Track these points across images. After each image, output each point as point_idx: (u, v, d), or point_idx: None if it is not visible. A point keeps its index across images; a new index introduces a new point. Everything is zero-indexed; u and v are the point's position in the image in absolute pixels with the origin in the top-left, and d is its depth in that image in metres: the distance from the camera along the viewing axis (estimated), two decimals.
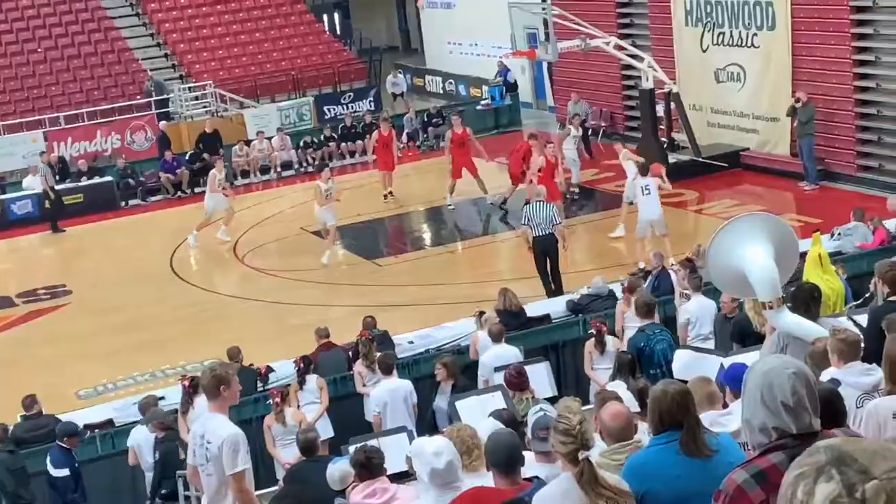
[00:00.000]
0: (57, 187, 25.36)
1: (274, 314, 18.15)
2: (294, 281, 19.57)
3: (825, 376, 6.55)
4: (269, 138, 28.24)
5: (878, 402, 5.45)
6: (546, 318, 15.04)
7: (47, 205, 24.65)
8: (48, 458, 11.72)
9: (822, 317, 8.57)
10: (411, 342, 14.05)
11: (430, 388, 13.63)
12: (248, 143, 28.18)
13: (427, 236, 22.28)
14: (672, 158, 23.32)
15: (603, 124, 27.74)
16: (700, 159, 23.14)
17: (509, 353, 12.60)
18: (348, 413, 13.05)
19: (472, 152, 23.27)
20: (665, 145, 23.76)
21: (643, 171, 18.85)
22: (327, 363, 13.80)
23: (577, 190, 22.73)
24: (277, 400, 12.04)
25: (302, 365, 13.14)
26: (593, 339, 12.74)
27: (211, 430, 7.17)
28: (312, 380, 12.99)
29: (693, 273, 13.42)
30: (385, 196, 23.96)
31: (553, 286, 16.61)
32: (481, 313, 13.93)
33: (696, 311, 12.74)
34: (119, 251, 22.81)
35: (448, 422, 10.56)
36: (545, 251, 16.73)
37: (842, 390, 6.18)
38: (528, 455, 6.39)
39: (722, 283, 8.66)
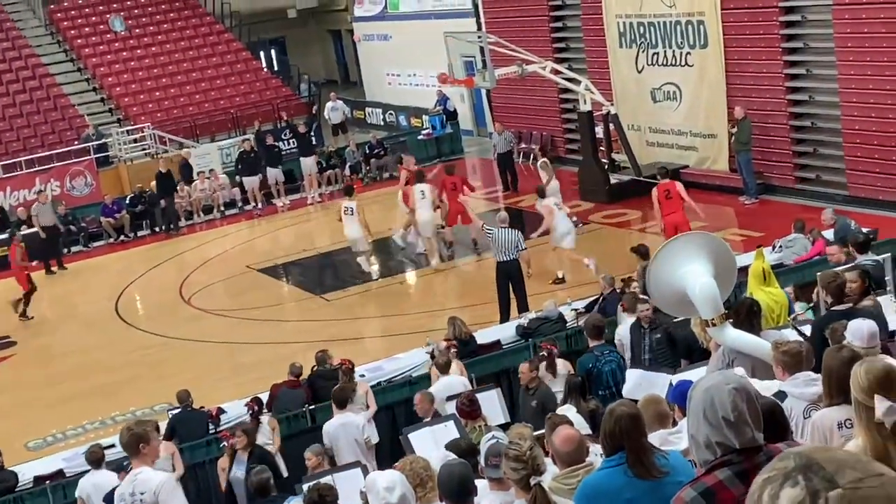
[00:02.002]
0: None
1: (223, 354, 18.04)
2: (242, 319, 19.47)
3: (773, 388, 6.62)
4: (208, 178, 28.08)
5: (821, 413, 5.51)
6: (496, 345, 15.07)
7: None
8: None
9: (765, 329, 8.68)
10: (363, 375, 14.01)
11: (386, 420, 13.63)
12: (188, 182, 28.04)
13: (374, 268, 22.24)
14: (613, 179, 23.51)
15: (535, 146, 27.88)
16: (641, 178, 23.33)
17: (459, 382, 12.60)
18: (301, 450, 12.96)
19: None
20: (606, 166, 23.95)
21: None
22: (286, 400, 13.76)
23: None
24: (233, 441, 11.95)
25: (255, 407, 13.08)
26: (545, 362, 12.74)
27: (140, 482, 7.02)
28: (265, 421, 12.93)
29: (628, 294, 13.52)
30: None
31: (519, 309, 16.60)
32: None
33: (627, 335, 12.70)
34: (63, 298, 22.57)
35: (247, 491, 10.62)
36: (508, 276, 16.77)
37: (788, 401, 6.25)
38: (482, 483, 6.39)
39: (664, 303, 8.73)
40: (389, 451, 12.07)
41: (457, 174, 22.10)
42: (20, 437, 15.43)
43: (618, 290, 14.97)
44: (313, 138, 30.25)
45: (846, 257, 12.79)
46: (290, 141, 30.53)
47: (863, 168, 20.03)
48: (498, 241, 16.75)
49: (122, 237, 26.74)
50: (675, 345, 11.96)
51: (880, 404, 3.60)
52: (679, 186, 19.16)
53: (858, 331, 7.21)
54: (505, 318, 16.57)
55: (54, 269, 24.41)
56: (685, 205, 18.62)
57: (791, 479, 1.36)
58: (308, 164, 28.27)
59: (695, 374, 8.12)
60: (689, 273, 7.93)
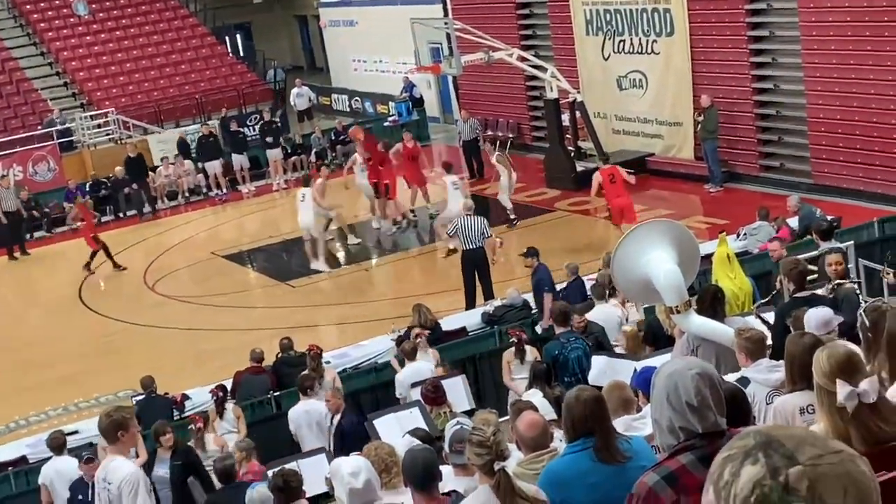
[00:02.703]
0: None
1: (188, 341, 17.95)
2: (207, 306, 19.38)
3: (735, 374, 6.66)
4: (172, 163, 27.92)
5: (783, 398, 5.54)
6: (462, 332, 15.09)
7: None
8: None
9: (729, 316, 8.73)
10: (328, 362, 13.98)
11: (350, 407, 13.61)
12: (153, 169, 27.88)
13: (340, 255, 22.17)
14: (580, 166, 23.55)
15: (510, 136, 27.90)
16: (607, 166, 23.37)
17: (425, 368, 12.61)
18: (267, 437, 12.94)
19: (422, 165, 23.35)
20: (572, 154, 23.99)
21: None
22: (249, 386, 13.72)
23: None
24: (200, 425, 11.91)
25: (220, 394, 13.05)
26: (513, 348, 12.77)
27: (111, 470, 7.09)
28: (230, 409, 12.91)
29: (595, 283, 13.57)
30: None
31: (485, 296, 16.61)
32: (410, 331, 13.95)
33: (599, 319, 12.74)
34: (26, 284, 22.40)
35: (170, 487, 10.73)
36: (475, 264, 16.76)
37: (751, 388, 6.29)
38: (447, 469, 6.39)
39: (629, 291, 8.78)
40: (355, 437, 12.05)
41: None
42: None
43: (581, 278, 15.02)
44: (279, 124, 30.14)
45: (786, 253, 12.95)
46: (255, 127, 30.34)
47: (827, 156, 20.16)
48: (463, 228, 16.74)
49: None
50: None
51: (842, 389, 3.62)
52: (622, 171, 19.43)
53: (810, 320, 7.30)
54: (471, 305, 16.58)
55: (17, 254, 24.21)
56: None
57: (751, 457, 1.36)
58: (273, 152, 28.20)
59: (659, 361, 8.13)
60: (653, 260, 7.96)
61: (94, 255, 21.92)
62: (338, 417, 11.66)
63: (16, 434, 14.97)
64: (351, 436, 10.82)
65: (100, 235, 22.49)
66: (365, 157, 21.97)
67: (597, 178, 19.34)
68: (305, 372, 12.91)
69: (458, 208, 19.39)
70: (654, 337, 11.56)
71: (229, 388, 13.67)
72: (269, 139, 28.49)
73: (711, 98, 21.55)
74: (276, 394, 13.77)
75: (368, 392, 14.00)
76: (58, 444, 11.98)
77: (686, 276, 7.94)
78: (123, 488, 7.02)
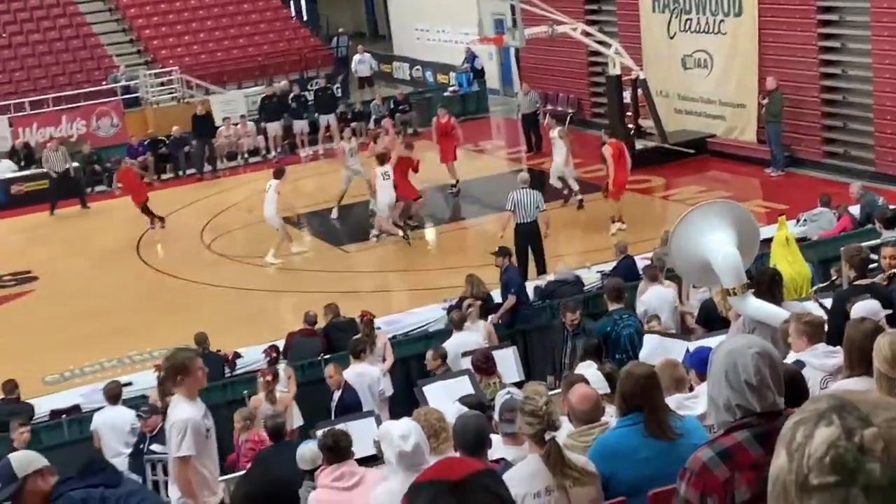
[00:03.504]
0: (22, 173, 25.24)
1: (241, 300, 18.08)
2: (260, 267, 19.51)
3: (790, 358, 6.62)
4: (235, 124, 28.11)
5: (839, 384, 5.51)
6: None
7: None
8: None
9: (786, 300, 8.66)
10: (379, 328, 14.05)
11: (400, 373, 13.70)
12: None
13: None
14: (639, 145, 23.39)
15: (570, 111, 27.77)
16: (667, 146, 23.22)
17: (472, 338, 12.63)
18: (316, 399, 13.04)
19: (456, 141, 23.26)
20: (632, 132, 23.82)
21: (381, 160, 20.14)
22: (301, 348, 13.83)
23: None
24: (269, 378, 12.03)
25: (273, 354, 13.19)
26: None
27: (170, 412, 7.27)
28: (281, 369, 13.03)
29: (648, 266, 13.49)
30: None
31: (538, 271, 16.62)
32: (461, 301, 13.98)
33: (652, 302, 12.68)
34: (85, 237, 22.65)
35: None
36: (528, 238, 16.74)
37: (806, 372, 6.25)
38: (496, 438, 6.42)
39: (686, 271, 8.73)
40: (403, 403, 12.13)
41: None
42: (38, 371, 15.53)
43: (631, 257, 14.96)
44: (338, 90, 30.22)
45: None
46: (317, 93, 30.42)
47: (892, 145, 19.88)
48: (518, 202, 16.71)
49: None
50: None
51: None
52: (625, 147, 19.64)
53: (857, 311, 7.24)
54: (525, 277, 16.55)
55: (57, 210, 24.42)
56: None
57: (825, 419, 1.36)
58: (327, 117, 28.30)
59: (713, 343, 8.11)
60: (713, 242, 7.90)
61: (145, 208, 22.16)
62: (338, 393, 11.80)
63: (70, 383, 15.20)
64: (351, 411, 10.95)
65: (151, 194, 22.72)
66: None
67: (607, 150, 19.23)
68: (358, 336, 13.00)
69: (387, 199, 19.40)
70: (708, 319, 11.51)
71: (281, 348, 13.79)
72: (323, 105, 28.57)
73: (777, 81, 21.30)
74: (326, 357, 13.87)
75: (417, 359, 14.06)
76: (113, 394, 12.17)
77: (745, 258, 7.88)
78: (172, 431, 7.17)
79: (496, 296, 14.88)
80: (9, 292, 19.76)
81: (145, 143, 27.32)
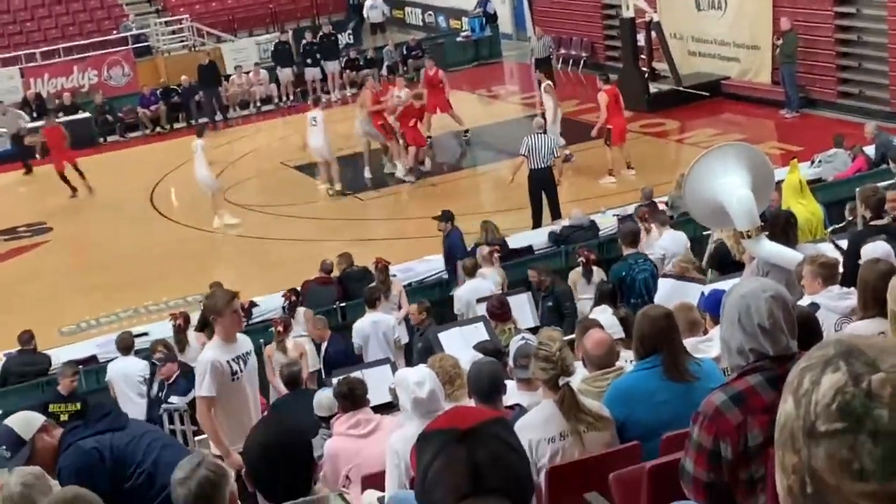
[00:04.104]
0: (34, 124, 25.21)
1: (255, 249, 18.11)
2: (274, 216, 19.51)
3: (804, 301, 6.60)
4: (247, 73, 28.03)
5: (854, 325, 5.50)
6: (528, 250, 15.09)
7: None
8: None
9: (801, 243, 8.63)
10: (394, 275, 14.07)
11: (337, 336, 13.72)
12: (226, 77, 27.99)
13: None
14: (653, 88, 23.25)
15: (584, 55, 27.58)
16: (681, 88, 23.07)
17: (486, 285, 12.63)
18: (333, 346, 13.09)
19: (446, 91, 23.04)
20: (646, 75, 23.66)
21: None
22: (316, 296, 13.86)
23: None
24: (280, 328, 12.07)
25: (293, 298, 13.21)
26: (580, 268, 12.77)
27: (194, 355, 7.39)
28: (300, 312, 13.06)
29: (656, 210, 13.45)
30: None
31: (553, 216, 16.58)
32: (476, 248, 13.98)
33: (669, 246, 12.64)
34: (98, 188, 22.66)
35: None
36: (542, 183, 16.69)
37: (820, 314, 6.24)
38: (510, 384, 6.44)
39: (699, 214, 8.70)
40: (418, 351, 12.17)
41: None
42: (54, 322, 15.62)
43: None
44: (349, 37, 30.04)
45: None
46: (321, 39, 30.21)
47: None
48: (532, 147, 16.64)
49: (158, 129, 26.79)
50: (562, 315, 11.97)
51: None
52: (619, 93, 19.56)
53: (867, 253, 7.19)
54: (537, 225, 16.54)
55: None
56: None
57: (832, 365, 1.35)
58: (330, 64, 28.16)
59: (727, 286, 8.10)
60: (727, 184, 7.87)
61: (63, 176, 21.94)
62: (324, 346, 11.85)
63: (87, 334, 15.28)
64: (337, 363, 10.99)
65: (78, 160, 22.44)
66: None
67: (602, 97, 19.08)
68: (373, 284, 13.02)
69: (320, 144, 19.56)
70: (722, 262, 11.49)
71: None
72: (327, 53, 28.42)
73: (791, 21, 21.09)
74: (342, 304, 13.91)
75: (432, 307, 14.08)
76: (125, 345, 12.23)
77: (759, 201, 7.85)
78: (196, 371, 7.24)
79: (512, 242, 14.86)
80: (24, 243, 19.82)
81: (157, 92, 27.27)
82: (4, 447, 5.38)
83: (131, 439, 5.48)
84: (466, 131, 22.70)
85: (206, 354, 7.39)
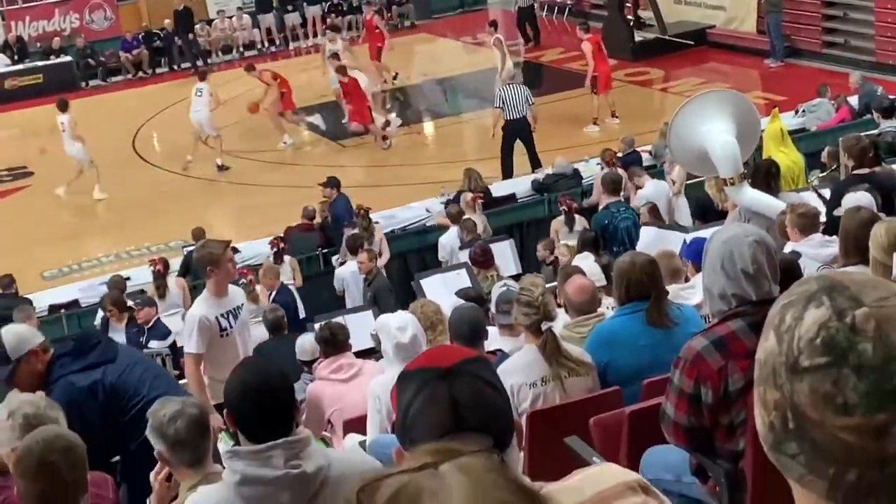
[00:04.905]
0: (15, 67, 25.00)
1: (238, 195, 18.05)
2: (257, 162, 19.42)
3: (786, 249, 6.62)
4: (230, 17, 27.78)
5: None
6: (511, 198, 15.08)
7: None
8: None
9: (783, 191, 8.64)
10: (377, 222, 14.04)
11: (398, 267, 13.74)
12: (209, 22, 27.73)
13: (391, 117, 22.01)
14: (638, 36, 23.15)
15: (569, 2, 27.41)
16: (666, 37, 22.98)
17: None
18: (314, 293, 13.11)
19: (380, 41, 22.82)
20: (631, 23, 23.55)
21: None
22: (299, 243, 13.85)
23: None
24: (250, 278, 12.05)
25: (280, 245, 13.21)
26: (562, 216, 12.77)
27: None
28: (287, 260, 13.06)
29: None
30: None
31: (533, 165, 16.48)
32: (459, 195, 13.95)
33: (652, 195, 12.63)
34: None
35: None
36: (517, 133, 16.60)
37: (801, 262, 6.26)
38: (492, 330, 6.45)
39: (684, 160, 8.69)
40: (401, 297, 12.18)
41: None
42: (35, 266, 15.56)
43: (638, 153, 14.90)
44: None
45: None
46: None
47: (892, 34, 19.67)
48: (506, 98, 16.54)
49: (140, 73, 26.57)
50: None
51: None
52: (601, 41, 19.54)
53: (848, 202, 7.21)
54: (507, 176, 16.43)
55: None
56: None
57: (815, 301, 1.35)
58: (312, 9, 27.92)
59: (708, 234, 8.13)
60: (711, 131, 7.86)
61: None
62: (272, 295, 11.86)
63: (69, 278, 15.23)
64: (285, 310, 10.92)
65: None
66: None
67: (587, 46, 19.01)
68: (355, 231, 13.00)
69: (202, 117, 19.16)
70: (704, 211, 11.51)
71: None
72: None
73: None
74: (324, 251, 13.90)
75: (415, 253, 14.12)
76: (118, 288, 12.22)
77: (744, 148, 7.85)
78: (185, 325, 7.17)
79: (495, 190, 14.85)
80: (5, 187, 19.71)
81: (140, 36, 27.01)
82: None
83: (123, 370, 5.43)
84: (395, 76, 22.65)
85: (194, 310, 7.28)
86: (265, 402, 3.16)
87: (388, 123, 19.88)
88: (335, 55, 20.38)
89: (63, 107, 18.70)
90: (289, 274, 12.96)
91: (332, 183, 14.72)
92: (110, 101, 24.76)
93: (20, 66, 25.42)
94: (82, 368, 5.37)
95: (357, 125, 19.42)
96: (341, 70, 19.42)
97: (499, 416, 1.88)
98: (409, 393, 1.87)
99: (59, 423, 4.08)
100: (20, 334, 5.53)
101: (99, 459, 4.45)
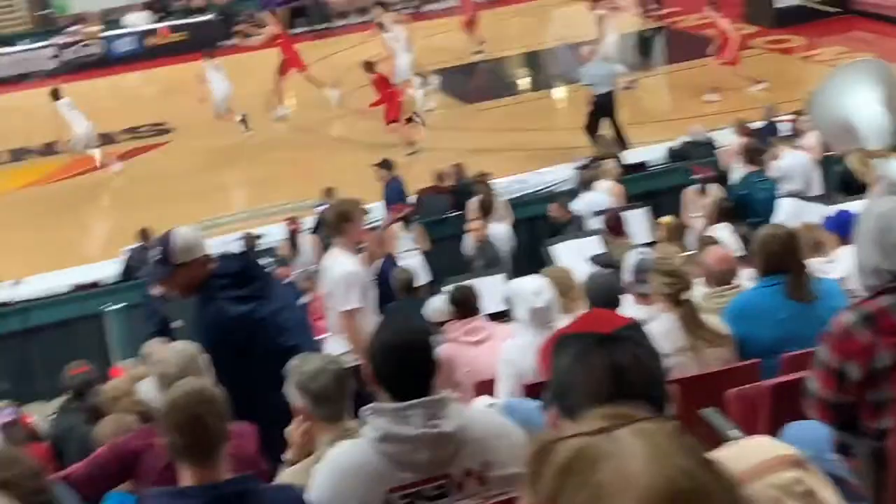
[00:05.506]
0: (158, 25, 25.57)
1: (370, 156, 18.12)
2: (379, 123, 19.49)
3: None
4: None
5: None
6: (642, 166, 14.93)
7: None
8: None
9: None
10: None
11: (527, 231, 13.71)
12: None
13: (526, 81, 21.94)
14: (779, 3, 22.61)
15: None
16: (809, 5, 22.38)
17: (600, 199, 12.53)
18: (444, 256, 13.16)
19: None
20: None
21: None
22: (432, 205, 13.94)
23: None
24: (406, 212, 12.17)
25: (408, 210, 13.33)
26: (696, 185, 12.59)
27: (330, 265, 7.21)
28: (414, 227, 13.17)
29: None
30: None
31: (621, 143, 16.18)
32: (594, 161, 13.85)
33: (787, 168, 12.32)
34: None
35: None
36: (605, 109, 16.36)
37: None
38: (626, 298, 6.40)
39: (827, 132, 8.47)
40: (529, 263, 12.16)
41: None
42: (172, 221, 15.82)
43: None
44: None
45: None
46: None
47: None
48: (592, 75, 16.31)
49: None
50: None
51: None
52: None
53: None
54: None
55: None
56: None
57: None
58: None
59: (854, 207, 7.91)
60: (858, 102, 7.63)
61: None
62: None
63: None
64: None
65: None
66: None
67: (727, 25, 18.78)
68: (482, 196, 13.03)
69: (221, 94, 19.22)
70: (847, 185, 11.21)
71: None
72: None
73: None
74: (455, 213, 13.95)
75: (544, 219, 14.06)
76: (249, 246, 12.45)
77: (893, 119, 7.60)
78: (339, 285, 7.12)
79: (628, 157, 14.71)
80: (145, 143, 20.19)
81: None
82: (159, 253, 5.38)
83: (273, 311, 5.46)
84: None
85: (344, 266, 7.27)
86: (408, 361, 3.19)
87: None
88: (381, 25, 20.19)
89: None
90: (416, 239, 13.01)
91: (387, 165, 14.72)
92: (251, 59, 25.05)
93: (164, 24, 25.95)
94: (236, 297, 5.39)
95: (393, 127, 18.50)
96: (369, 66, 18.87)
97: (657, 382, 1.86)
98: (567, 358, 1.86)
99: (201, 374, 4.18)
100: (193, 239, 5.59)
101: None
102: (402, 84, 19.19)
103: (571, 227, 12.28)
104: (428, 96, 19.62)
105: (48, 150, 20.12)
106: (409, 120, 18.26)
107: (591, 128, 16.32)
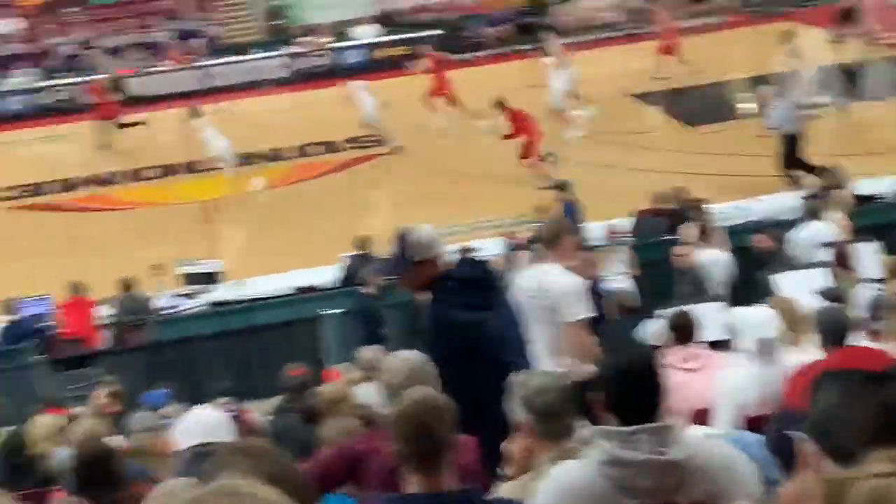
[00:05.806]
0: (386, 38, 26.16)
1: (591, 176, 17.90)
2: (612, 144, 19.33)
3: None
4: None
5: None
6: (870, 198, 14.40)
7: None
8: None
9: None
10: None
11: (745, 259, 13.34)
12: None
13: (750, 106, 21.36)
14: None
15: None
16: None
17: (826, 230, 12.10)
18: (656, 279, 12.94)
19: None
20: None
21: None
22: (647, 227, 13.78)
23: None
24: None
25: (614, 234, 13.26)
26: None
27: (546, 278, 6.91)
28: (623, 250, 13.05)
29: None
30: None
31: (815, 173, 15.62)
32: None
33: None
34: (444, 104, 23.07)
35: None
36: (796, 147, 16.06)
37: None
38: (853, 334, 6.16)
39: None
40: (742, 291, 11.86)
41: None
42: (388, 230, 16.08)
43: None
44: None
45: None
46: None
47: None
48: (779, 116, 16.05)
49: (502, 48, 27.06)
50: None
51: None
52: None
53: None
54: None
55: None
56: None
57: None
58: None
59: None
60: None
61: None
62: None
63: None
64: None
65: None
66: None
67: None
68: (699, 222, 12.80)
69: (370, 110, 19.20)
70: None
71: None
72: None
73: None
74: (670, 238, 13.72)
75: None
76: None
77: None
78: (569, 297, 6.81)
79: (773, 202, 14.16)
80: (367, 153, 20.61)
81: (510, 13, 27.52)
82: (398, 249, 5.47)
83: (498, 325, 5.43)
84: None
85: (570, 277, 6.91)
86: (639, 385, 3.16)
87: None
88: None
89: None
90: (625, 263, 12.86)
91: (563, 186, 14.76)
92: (474, 74, 25.23)
93: (392, 38, 26.51)
94: (465, 303, 5.43)
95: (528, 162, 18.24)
96: (499, 104, 18.58)
97: None
98: (833, 394, 1.79)
99: (428, 383, 4.21)
100: (434, 237, 5.68)
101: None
102: (558, 112, 19.23)
103: (778, 256, 11.91)
104: (581, 125, 19.51)
105: (275, 155, 20.81)
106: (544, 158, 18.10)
107: (799, 164, 15.88)
